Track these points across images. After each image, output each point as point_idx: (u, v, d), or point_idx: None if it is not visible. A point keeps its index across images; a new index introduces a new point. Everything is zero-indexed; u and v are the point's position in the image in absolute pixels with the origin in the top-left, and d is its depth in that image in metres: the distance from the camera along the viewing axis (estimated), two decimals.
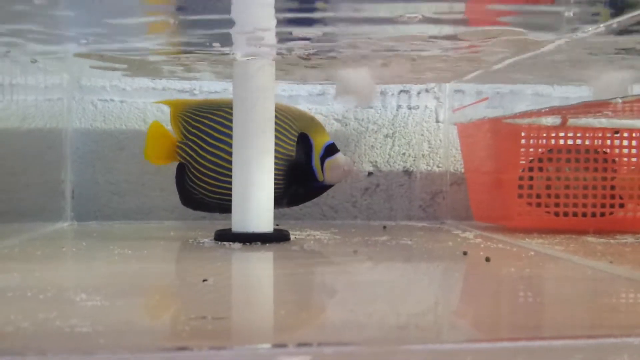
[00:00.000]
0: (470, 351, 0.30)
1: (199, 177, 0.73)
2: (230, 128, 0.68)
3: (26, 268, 0.50)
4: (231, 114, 0.68)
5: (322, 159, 0.73)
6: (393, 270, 0.51)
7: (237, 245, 0.62)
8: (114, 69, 0.77)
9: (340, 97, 0.75)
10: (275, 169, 0.68)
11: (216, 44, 0.62)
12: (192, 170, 0.73)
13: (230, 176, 0.68)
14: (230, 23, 0.54)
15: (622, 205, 0.74)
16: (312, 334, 0.33)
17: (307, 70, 0.74)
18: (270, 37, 0.58)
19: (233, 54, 0.65)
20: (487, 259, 0.53)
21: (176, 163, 0.75)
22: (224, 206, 0.73)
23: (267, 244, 0.63)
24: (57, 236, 0.72)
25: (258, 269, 0.54)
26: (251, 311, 0.38)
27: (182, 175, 0.75)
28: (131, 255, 0.56)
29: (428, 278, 0.49)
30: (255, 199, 0.65)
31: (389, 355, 0.30)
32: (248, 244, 0.63)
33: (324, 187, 0.75)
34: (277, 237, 0.66)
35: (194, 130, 0.73)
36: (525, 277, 0.48)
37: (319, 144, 0.73)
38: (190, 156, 0.73)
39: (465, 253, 0.58)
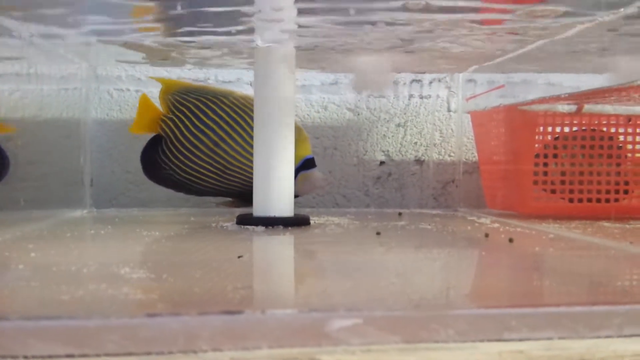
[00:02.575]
0: (515, 315, 0.31)
1: (175, 154, 0.75)
2: (219, 116, 0.72)
3: (62, 247, 0.51)
4: (224, 103, 0.71)
5: (298, 170, 0.74)
6: (422, 250, 0.52)
7: (260, 228, 0.64)
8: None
9: (357, 88, 0.77)
10: (249, 171, 0.72)
11: (237, 30, 0.62)
12: (169, 145, 0.75)
13: (207, 161, 0.73)
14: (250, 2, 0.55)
15: (626, 192, 0.76)
16: (364, 303, 0.34)
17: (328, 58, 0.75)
18: (291, 19, 0.59)
19: (254, 41, 0.66)
20: (511, 240, 0.55)
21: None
22: (192, 188, 0.76)
23: (289, 228, 0.65)
24: (80, 221, 0.72)
25: (286, 248, 0.55)
26: (292, 282, 0.39)
27: (154, 148, 0.76)
28: (160, 236, 0.57)
29: (460, 256, 0.50)
30: (277, 184, 0.66)
31: (436, 319, 0.31)
32: (270, 227, 0.64)
33: None
34: (298, 221, 0.67)
35: (182, 108, 0.75)
36: (553, 255, 0.49)
37: (298, 155, 0.74)
38: (172, 131, 0.75)
39: (487, 235, 0.59)
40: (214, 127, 0.74)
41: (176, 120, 0.75)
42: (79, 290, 0.35)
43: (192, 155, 0.75)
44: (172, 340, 0.29)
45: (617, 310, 0.32)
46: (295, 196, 0.75)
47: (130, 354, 0.28)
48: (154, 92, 0.89)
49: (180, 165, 0.75)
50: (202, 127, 0.75)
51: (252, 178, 0.69)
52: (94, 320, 0.29)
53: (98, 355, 0.28)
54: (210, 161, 0.75)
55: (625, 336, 0.32)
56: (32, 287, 0.36)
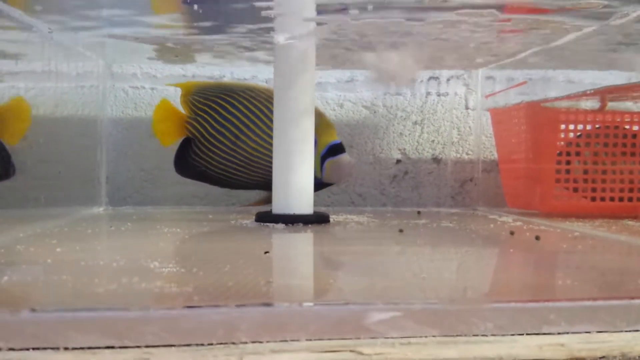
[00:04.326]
0: (554, 309, 0.31)
1: (204, 152, 0.76)
2: (239, 110, 0.73)
3: (86, 243, 0.51)
4: (242, 97, 0.72)
5: (324, 158, 0.73)
6: (450, 248, 0.51)
7: (280, 225, 0.63)
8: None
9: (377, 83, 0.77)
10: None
11: (258, 27, 0.62)
12: (198, 144, 0.76)
13: (232, 155, 0.74)
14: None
15: None
16: (400, 297, 0.34)
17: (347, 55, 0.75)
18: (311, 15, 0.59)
19: (273, 37, 0.66)
20: (537, 238, 0.54)
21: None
22: (225, 181, 0.78)
23: (309, 225, 0.64)
24: (98, 218, 0.72)
25: (311, 245, 0.55)
26: (324, 277, 0.39)
27: (186, 149, 0.77)
28: (182, 233, 0.57)
29: (488, 253, 0.50)
30: (296, 181, 0.66)
31: (475, 312, 0.31)
32: (290, 224, 0.64)
33: (320, 185, 0.76)
34: (318, 218, 0.67)
35: (204, 107, 0.76)
36: (582, 252, 0.49)
37: (322, 142, 0.74)
38: (198, 131, 0.76)
39: (512, 233, 0.58)
40: (234, 120, 0.74)
41: (200, 120, 0.75)
42: (112, 283, 0.34)
43: (219, 150, 0.75)
44: (212, 332, 0.28)
45: None
46: (326, 185, 0.75)
47: (170, 345, 0.28)
48: (169, 90, 0.90)
49: (211, 160, 0.76)
50: (224, 122, 0.75)
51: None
52: (133, 312, 0.29)
53: (138, 347, 0.28)
54: (235, 154, 0.75)
55: None
56: (64, 281, 0.35)
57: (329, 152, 0.74)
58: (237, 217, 0.73)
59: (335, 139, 0.75)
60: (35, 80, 0.65)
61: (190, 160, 0.77)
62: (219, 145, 0.76)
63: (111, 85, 0.89)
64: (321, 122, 0.75)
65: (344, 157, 0.74)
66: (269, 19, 0.59)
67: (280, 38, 0.66)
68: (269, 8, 0.56)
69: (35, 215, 0.64)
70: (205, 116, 0.76)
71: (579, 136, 0.74)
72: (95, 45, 0.75)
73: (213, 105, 0.76)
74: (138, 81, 0.90)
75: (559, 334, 0.31)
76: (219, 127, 0.75)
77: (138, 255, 0.45)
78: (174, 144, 0.79)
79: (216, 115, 0.75)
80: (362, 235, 0.58)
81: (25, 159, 0.64)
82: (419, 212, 0.82)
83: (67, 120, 0.74)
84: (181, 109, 0.78)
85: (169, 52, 0.78)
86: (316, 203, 0.90)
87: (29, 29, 0.62)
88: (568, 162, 0.74)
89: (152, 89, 0.90)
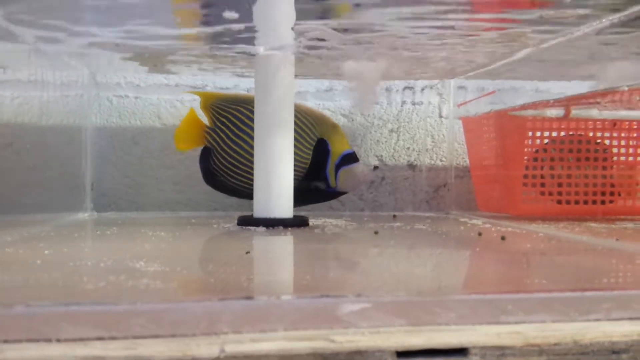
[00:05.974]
0: (511, 300, 0.34)
1: (222, 162, 0.78)
2: (253, 121, 0.74)
3: (73, 246, 0.52)
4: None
5: (338, 167, 0.76)
6: (421, 247, 0.54)
7: (261, 229, 0.66)
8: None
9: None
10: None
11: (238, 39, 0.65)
12: (216, 155, 0.78)
13: (249, 166, 0.74)
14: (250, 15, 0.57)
15: (612, 194, 0.79)
16: (371, 290, 0.36)
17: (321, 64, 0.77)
18: (289, 31, 0.61)
19: (253, 51, 0.68)
20: (503, 238, 0.57)
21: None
22: (242, 192, 0.79)
23: (289, 228, 0.67)
24: (84, 223, 0.74)
25: (290, 245, 0.57)
26: (301, 274, 0.41)
27: (207, 157, 0.80)
28: (166, 236, 0.59)
29: (457, 251, 0.53)
30: (277, 186, 0.69)
31: (438, 303, 0.33)
32: (271, 228, 0.66)
33: (335, 193, 0.79)
34: (298, 222, 0.69)
35: (223, 119, 0.78)
36: (544, 250, 0.52)
37: (336, 151, 0.76)
38: (216, 142, 0.77)
39: (480, 234, 0.61)
40: (250, 132, 0.76)
41: (218, 131, 0.78)
42: (101, 281, 0.36)
43: (236, 161, 0.78)
44: (195, 324, 0.31)
45: (606, 295, 0.35)
46: (340, 193, 0.77)
47: (156, 336, 0.30)
48: (153, 99, 0.92)
49: (228, 172, 0.78)
50: (240, 134, 0.77)
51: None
52: (122, 305, 0.31)
53: (126, 338, 0.30)
54: (251, 165, 0.77)
55: (614, 319, 0.34)
56: (55, 279, 0.37)
57: (342, 161, 0.76)
58: (219, 221, 0.75)
59: (348, 147, 0.78)
60: (20, 89, 0.67)
61: (211, 170, 0.80)
62: (236, 157, 0.78)
63: (96, 94, 0.91)
64: (335, 132, 0.77)
65: (358, 166, 0.77)
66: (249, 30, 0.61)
67: (260, 48, 0.68)
68: (248, 20, 0.58)
69: (22, 221, 0.66)
70: (223, 127, 0.78)
71: (546, 143, 0.78)
72: (79, 54, 0.77)
73: (229, 116, 0.78)
74: (122, 90, 0.92)
75: (516, 323, 0.33)
76: (235, 139, 0.77)
77: (124, 256, 0.47)
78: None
79: (233, 127, 0.77)
80: (339, 237, 0.61)
81: (10, 166, 0.65)
82: (394, 216, 0.85)
83: (52, 128, 0.76)
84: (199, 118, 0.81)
85: (149, 61, 0.80)
86: (297, 208, 0.92)
87: (14, 38, 0.64)
88: (535, 168, 0.78)
89: (136, 97, 0.92)
